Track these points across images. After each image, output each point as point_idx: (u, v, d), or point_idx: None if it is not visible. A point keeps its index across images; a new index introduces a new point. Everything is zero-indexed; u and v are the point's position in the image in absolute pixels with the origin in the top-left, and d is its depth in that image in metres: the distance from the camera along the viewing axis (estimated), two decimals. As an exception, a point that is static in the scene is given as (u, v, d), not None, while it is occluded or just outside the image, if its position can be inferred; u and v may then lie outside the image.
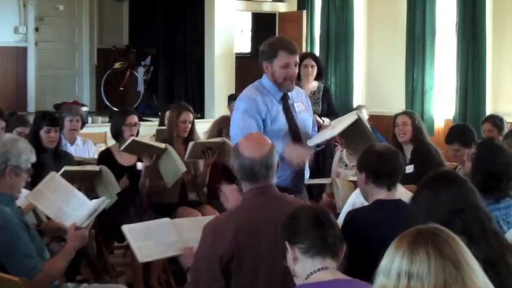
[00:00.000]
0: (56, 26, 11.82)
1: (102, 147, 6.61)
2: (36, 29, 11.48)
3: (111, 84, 11.75)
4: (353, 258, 2.81)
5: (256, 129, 3.90)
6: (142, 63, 12.00)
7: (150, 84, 11.91)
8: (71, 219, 3.51)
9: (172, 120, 5.55)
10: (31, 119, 5.69)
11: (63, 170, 4.57)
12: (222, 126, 5.79)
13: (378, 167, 3.21)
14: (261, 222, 2.87)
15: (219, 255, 2.80)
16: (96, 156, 5.75)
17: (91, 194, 4.53)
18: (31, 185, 3.80)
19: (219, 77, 10.45)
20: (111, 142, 5.69)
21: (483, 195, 2.76)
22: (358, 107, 8.63)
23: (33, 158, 3.40)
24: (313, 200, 5.46)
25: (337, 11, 10.05)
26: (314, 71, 6.44)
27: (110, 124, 5.78)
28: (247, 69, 11.42)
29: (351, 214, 3.28)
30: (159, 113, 7.94)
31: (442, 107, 9.03)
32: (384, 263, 1.85)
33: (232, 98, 8.46)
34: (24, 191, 3.63)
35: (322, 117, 6.22)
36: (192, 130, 5.57)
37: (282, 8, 11.20)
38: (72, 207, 3.61)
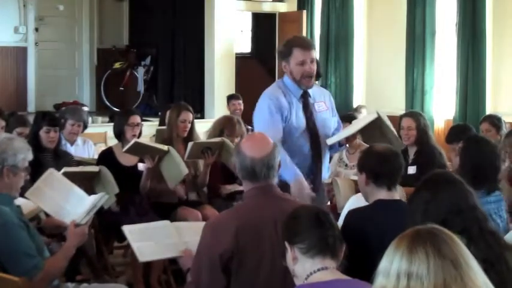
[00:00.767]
0: (56, 26, 11.82)
1: (102, 147, 6.61)
2: (36, 29, 11.48)
3: (111, 84, 11.76)
4: (353, 258, 2.81)
5: (282, 125, 4.04)
6: (142, 63, 12.01)
7: (150, 84, 11.91)
8: (70, 216, 3.50)
9: (172, 120, 5.55)
10: (31, 119, 5.69)
11: (62, 171, 4.56)
12: (224, 126, 5.79)
13: (378, 168, 3.21)
14: (261, 221, 2.87)
15: (220, 254, 2.80)
16: (96, 157, 5.74)
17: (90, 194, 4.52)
18: (30, 185, 3.80)
19: (219, 77, 10.46)
20: (111, 142, 5.69)
21: (473, 187, 2.77)
22: (358, 107, 8.64)
23: (30, 156, 3.39)
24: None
25: (337, 11, 10.05)
26: None
27: (110, 124, 5.78)
28: (247, 69, 11.45)
29: (351, 214, 3.28)
30: (159, 113, 7.94)
31: (442, 107, 9.03)
32: (383, 263, 1.85)
33: (231, 98, 8.46)
34: (21, 200, 3.61)
35: None
36: (192, 130, 5.57)
37: (282, 8, 11.20)
38: (71, 204, 3.60)
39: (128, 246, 4.47)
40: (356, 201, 3.69)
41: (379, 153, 3.26)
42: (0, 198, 3.28)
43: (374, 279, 1.87)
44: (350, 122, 4.85)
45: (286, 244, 2.50)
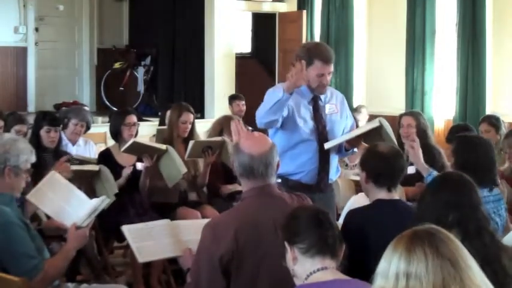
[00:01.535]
0: (56, 26, 11.82)
1: (102, 147, 6.61)
2: (36, 29, 11.48)
3: (111, 84, 11.76)
4: (353, 258, 2.81)
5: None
6: (142, 63, 12.01)
7: (150, 84, 11.91)
8: (71, 218, 3.50)
9: (172, 121, 5.55)
10: (31, 119, 5.70)
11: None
12: (223, 125, 5.80)
13: (378, 168, 3.21)
14: (261, 222, 2.87)
15: (220, 255, 2.80)
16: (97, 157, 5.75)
17: (91, 194, 4.53)
18: (32, 185, 3.80)
19: (219, 77, 10.46)
20: (111, 142, 5.69)
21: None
22: (358, 107, 8.64)
23: (32, 159, 3.40)
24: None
25: (337, 11, 10.05)
26: None
27: (109, 124, 5.78)
28: (247, 69, 11.46)
29: (351, 214, 3.28)
30: (159, 113, 7.94)
31: (442, 107, 9.03)
32: (382, 265, 1.85)
33: (234, 99, 8.46)
34: None
35: None
36: (193, 130, 5.57)
37: (282, 8, 11.20)
38: (73, 206, 3.60)
39: (128, 246, 4.47)
40: (356, 201, 3.70)
41: (381, 154, 3.25)
42: (1, 198, 3.28)
43: (373, 280, 1.87)
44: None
45: (286, 244, 2.50)
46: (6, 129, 5.59)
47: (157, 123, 7.35)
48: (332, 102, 4.29)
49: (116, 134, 5.42)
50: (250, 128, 6.60)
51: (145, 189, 5.26)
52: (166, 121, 5.88)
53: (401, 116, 5.71)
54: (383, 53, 9.77)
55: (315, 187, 4.17)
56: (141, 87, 11.89)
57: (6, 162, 3.29)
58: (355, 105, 9.30)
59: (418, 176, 5.13)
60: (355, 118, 7.46)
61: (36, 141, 5.11)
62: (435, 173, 4.19)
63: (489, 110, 8.25)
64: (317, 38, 10.40)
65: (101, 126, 8.39)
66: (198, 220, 4.04)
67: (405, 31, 9.14)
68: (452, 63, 8.79)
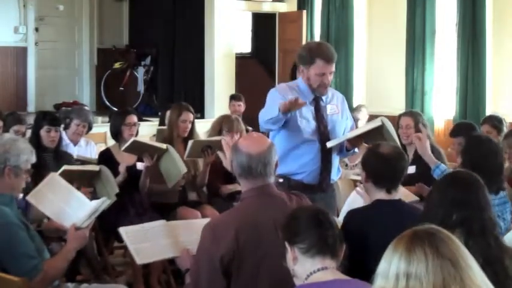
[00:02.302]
0: (56, 26, 11.82)
1: (102, 147, 6.61)
2: (36, 29, 11.49)
3: (111, 84, 11.76)
4: (353, 258, 2.81)
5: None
6: (142, 63, 12.01)
7: (150, 84, 11.91)
8: (71, 219, 3.50)
9: (172, 120, 5.55)
10: (31, 119, 5.70)
11: (62, 168, 4.57)
12: (222, 124, 5.80)
13: (379, 170, 3.20)
14: (261, 222, 2.87)
15: (220, 256, 2.80)
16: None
17: (90, 195, 4.53)
18: (32, 185, 3.80)
19: (219, 77, 10.46)
20: (111, 142, 5.69)
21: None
22: (358, 106, 8.64)
23: (33, 159, 3.40)
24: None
25: (337, 11, 10.05)
26: None
27: (109, 124, 5.78)
28: (247, 69, 11.46)
29: (351, 214, 3.28)
30: (159, 113, 7.94)
31: (442, 107, 9.03)
32: (382, 265, 1.85)
33: (233, 98, 8.46)
34: None
35: None
36: (193, 130, 5.57)
37: (282, 8, 11.20)
38: (73, 208, 3.60)
39: (128, 246, 4.46)
40: (355, 201, 3.69)
41: (383, 155, 3.23)
42: (1, 198, 3.28)
43: (373, 281, 1.87)
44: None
45: (286, 244, 2.50)
46: (5, 129, 5.60)
47: (157, 123, 7.35)
48: (333, 103, 4.31)
49: (117, 134, 5.42)
50: (250, 128, 6.61)
51: (145, 189, 5.26)
52: (166, 121, 5.88)
53: (400, 116, 5.70)
54: (383, 53, 9.77)
55: (317, 187, 4.19)
56: (141, 87, 11.89)
57: (7, 162, 3.29)
58: (355, 105, 9.30)
59: (418, 176, 5.13)
60: (355, 117, 7.50)
61: (36, 141, 5.11)
62: (443, 166, 4.19)
63: (489, 110, 8.25)
64: (317, 38, 10.39)
65: (101, 126, 8.39)
66: (194, 220, 4.04)
67: (405, 31, 9.14)
68: (452, 63, 8.79)
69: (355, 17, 9.97)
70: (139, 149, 5.10)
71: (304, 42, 10.37)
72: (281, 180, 3.99)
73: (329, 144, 4.13)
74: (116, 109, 10.48)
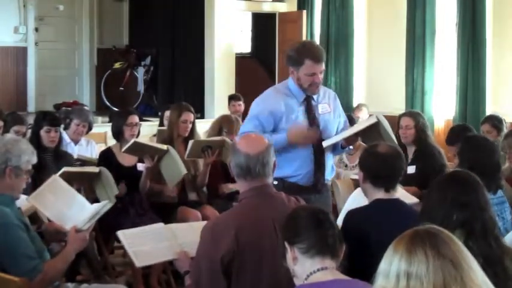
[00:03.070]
0: (56, 26, 11.83)
1: (102, 147, 6.61)
2: (36, 29, 11.49)
3: (111, 84, 11.76)
4: (353, 258, 2.81)
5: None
6: (142, 63, 12.01)
7: (150, 84, 11.91)
8: (71, 221, 3.51)
9: (173, 120, 5.55)
10: (31, 119, 5.69)
11: (62, 170, 4.57)
12: (222, 125, 5.80)
13: (376, 170, 3.18)
14: (260, 222, 2.87)
15: (220, 256, 2.79)
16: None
17: (91, 196, 4.53)
18: (32, 185, 3.80)
19: (219, 77, 10.46)
20: (111, 142, 5.69)
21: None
22: (359, 105, 8.65)
23: (34, 160, 3.40)
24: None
25: (337, 11, 10.05)
26: None
27: (110, 124, 5.78)
28: (247, 69, 11.46)
29: (351, 214, 3.27)
30: (159, 113, 7.94)
31: (442, 107, 9.03)
32: (383, 265, 1.85)
33: (232, 98, 8.46)
34: (23, 197, 3.62)
35: None
36: (193, 130, 5.57)
37: (282, 8, 11.20)
38: (74, 210, 3.61)
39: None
40: (358, 193, 3.67)
41: (380, 155, 3.21)
42: (1, 199, 3.28)
43: (374, 281, 1.87)
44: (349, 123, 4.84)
45: (286, 244, 2.50)
46: (6, 129, 5.59)
47: (157, 123, 7.35)
48: (325, 102, 4.26)
49: (118, 134, 5.41)
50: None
51: (145, 189, 5.26)
52: (165, 121, 5.87)
53: (400, 116, 5.69)
54: (383, 53, 9.77)
55: (311, 188, 4.16)
56: (141, 87, 11.89)
57: (8, 163, 3.28)
58: (355, 105, 9.30)
59: (418, 176, 5.14)
60: (356, 117, 7.51)
61: (36, 141, 5.11)
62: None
63: (489, 110, 8.25)
64: (317, 38, 10.41)
65: (101, 126, 8.38)
66: (192, 223, 4.04)
67: (405, 31, 9.15)
68: (452, 63, 8.79)
69: (355, 17, 9.97)
70: (139, 150, 5.10)
71: (304, 42, 10.37)
72: (275, 182, 3.96)
73: (325, 144, 4.12)
74: (116, 109, 10.49)
